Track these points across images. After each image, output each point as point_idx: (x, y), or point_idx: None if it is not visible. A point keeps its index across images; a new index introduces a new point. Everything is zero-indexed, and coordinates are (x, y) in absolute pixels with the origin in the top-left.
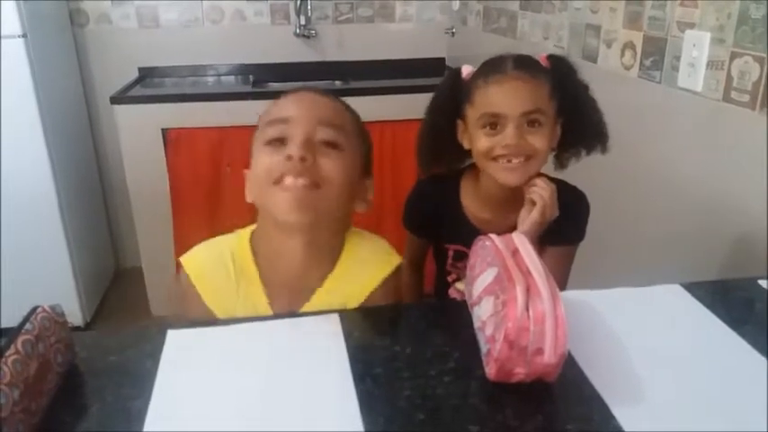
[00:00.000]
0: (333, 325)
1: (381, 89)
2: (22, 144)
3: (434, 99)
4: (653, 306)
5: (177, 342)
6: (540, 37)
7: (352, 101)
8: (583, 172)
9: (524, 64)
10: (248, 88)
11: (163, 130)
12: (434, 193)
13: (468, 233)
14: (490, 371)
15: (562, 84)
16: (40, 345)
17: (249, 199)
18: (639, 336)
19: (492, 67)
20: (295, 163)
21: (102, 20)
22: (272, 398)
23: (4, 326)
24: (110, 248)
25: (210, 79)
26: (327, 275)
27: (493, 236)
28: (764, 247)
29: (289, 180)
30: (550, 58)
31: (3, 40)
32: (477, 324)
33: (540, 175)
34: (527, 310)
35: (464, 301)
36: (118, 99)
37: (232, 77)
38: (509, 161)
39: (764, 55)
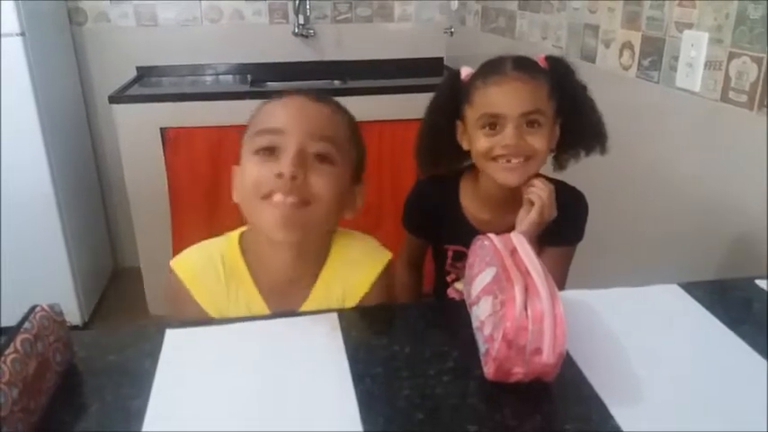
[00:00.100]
0: (332, 324)
1: (380, 89)
2: (21, 143)
3: (433, 100)
4: (651, 306)
5: (176, 341)
6: (538, 37)
7: (350, 100)
8: (581, 172)
9: (523, 65)
10: (247, 87)
11: (161, 129)
12: (434, 193)
13: (467, 234)
14: (489, 370)
15: (561, 84)
16: (39, 344)
17: (236, 199)
18: (638, 335)
19: (491, 68)
20: (285, 181)
21: (101, 18)
22: (271, 397)
23: (2, 325)
24: (108, 248)
25: (209, 78)
26: (319, 276)
27: (491, 235)
28: (762, 246)
29: (278, 197)
30: (549, 58)
31: (1, 39)
32: (475, 324)
33: (538, 175)
34: (525, 309)
35: (463, 301)
36: (116, 98)
37: (230, 77)
38: (508, 161)
39: (762, 55)
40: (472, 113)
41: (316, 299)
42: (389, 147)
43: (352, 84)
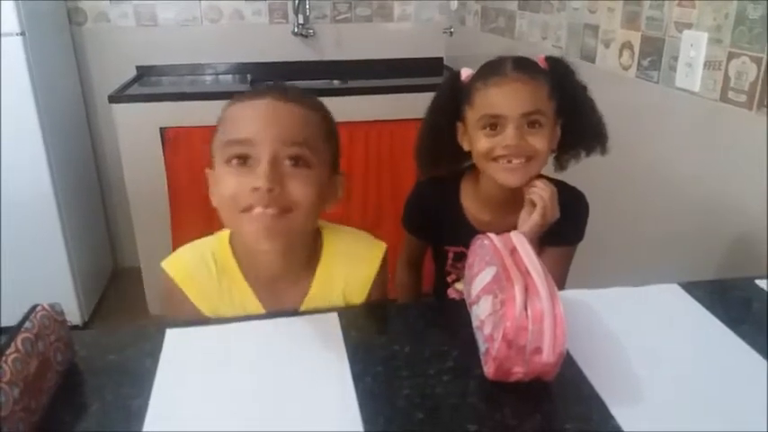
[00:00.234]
0: (332, 324)
1: (379, 89)
2: (20, 143)
3: (434, 101)
4: (651, 305)
5: (176, 341)
6: (538, 37)
7: (350, 100)
8: (580, 172)
9: (523, 65)
10: (246, 87)
11: (161, 128)
12: (434, 194)
13: (468, 235)
14: (489, 370)
15: (561, 85)
16: (40, 343)
17: (215, 205)
18: (638, 335)
19: (491, 69)
20: (263, 193)
21: (101, 18)
22: (271, 396)
23: (1, 325)
24: (108, 247)
25: (208, 78)
26: (315, 272)
27: (491, 235)
28: (762, 246)
29: (258, 210)
30: (549, 59)
31: (1, 39)
32: (475, 323)
33: (539, 176)
34: (525, 309)
35: (463, 301)
36: (116, 98)
37: (230, 76)
38: (509, 162)
39: (761, 55)
40: (473, 114)
41: (316, 295)
42: (388, 146)
43: (351, 83)
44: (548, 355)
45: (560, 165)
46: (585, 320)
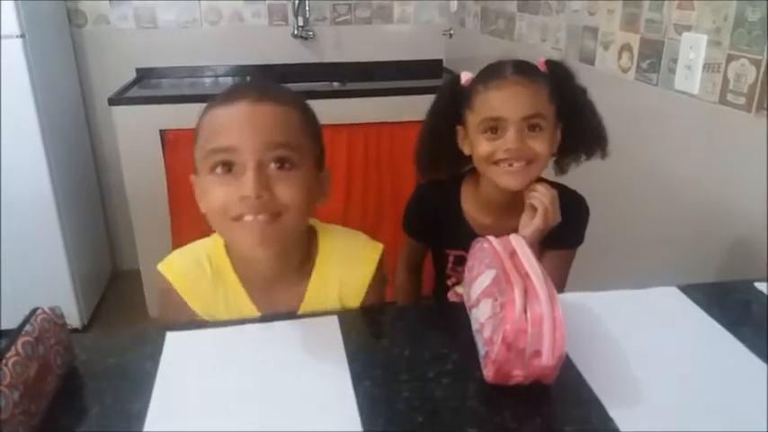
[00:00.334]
0: (332, 327)
1: (379, 91)
2: (20, 145)
3: (434, 106)
4: (650, 308)
5: (176, 344)
6: (537, 39)
7: (349, 102)
8: (580, 175)
9: (524, 69)
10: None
11: (161, 131)
12: (435, 198)
13: (468, 238)
14: (488, 373)
15: (561, 88)
16: (40, 346)
17: (203, 210)
18: (637, 338)
19: (491, 73)
20: (252, 202)
21: (100, 20)
22: (271, 399)
23: (0, 327)
24: (107, 250)
25: (208, 80)
26: (311, 274)
27: (491, 238)
28: (761, 249)
29: (248, 218)
30: (548, 62)
31: (1, 41)
32: (475, 326)
33: (540, 179)
34: (525, 312)
35: (463, 304)
36: (116, 100)
37: (230, 79)
38: (510, 165)
39: (760, 57)
40: (473, 118)
41: (312, 297)
42: (388, 148)
43: (351, 86)
44: (547, 359)
45: (560, 168)
46: (585, 323)
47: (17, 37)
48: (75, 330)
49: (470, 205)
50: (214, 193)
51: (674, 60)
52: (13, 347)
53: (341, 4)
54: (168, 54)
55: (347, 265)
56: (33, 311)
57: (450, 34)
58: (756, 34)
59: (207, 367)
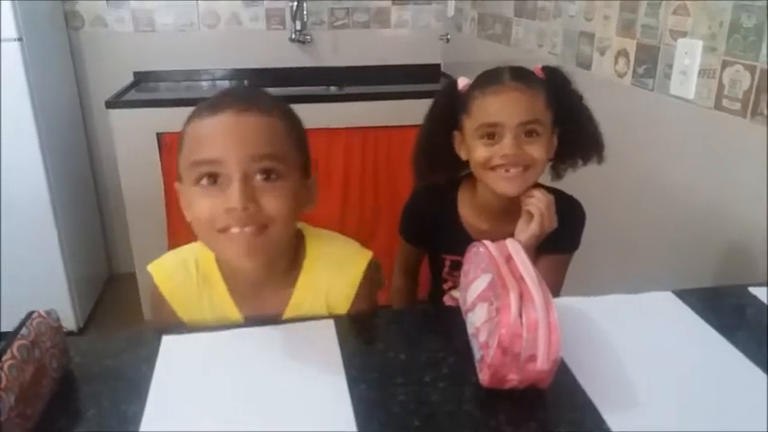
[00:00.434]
0: (327, 330)
1: (376, 95)
2: (17, 148)
3: (431, 111)
4: (645, 313)
5: (172, 347)
6: (534, 44)
7: (347, 106)
8: (575, 180)
9: (521, 75)
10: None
11: (158, 134)
12: (432, 203)
13: (465, 243)
14: (484, 377)
15: (557, 94)
16: (36, 350)
17: (189, 219)
18: (632, 342)
19: (489, 79)
20: (238, 214)
21: (98, 23)
22: (267, 403)
23: None
24: (103, 253)
25: (206, 84)
26: (298, 279)
27: (486, 242)
28: (757, 254)
29: (235, 230)
30: (545, 68)
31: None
32: (470, 330)
33: (536, 185)
34: (520, 316)
35: (458, 308)
36: (113, 103)
37: (227, 82)
38: (507, 171)
39: (755, 63)
40: (470, 124)
41: (299, 302)
42: (385, 153)
43: (348, 90)
44: (542, 363)
45: (557, 174)
46: (580, 328)
47: (14, 40)
48: (70, 333)
49: (467, 210)
50: (200, 205)
51: (670, 66)
52: (8, 351)
53: (338, 8)
54: (166, 57)
55: (334, 269)
56: (29, 315)
57: (448, 39)
58: (751, 40)
59: (203, 370)
